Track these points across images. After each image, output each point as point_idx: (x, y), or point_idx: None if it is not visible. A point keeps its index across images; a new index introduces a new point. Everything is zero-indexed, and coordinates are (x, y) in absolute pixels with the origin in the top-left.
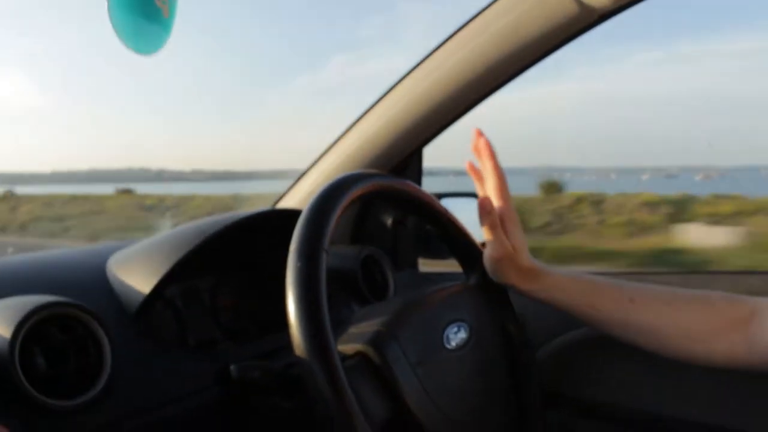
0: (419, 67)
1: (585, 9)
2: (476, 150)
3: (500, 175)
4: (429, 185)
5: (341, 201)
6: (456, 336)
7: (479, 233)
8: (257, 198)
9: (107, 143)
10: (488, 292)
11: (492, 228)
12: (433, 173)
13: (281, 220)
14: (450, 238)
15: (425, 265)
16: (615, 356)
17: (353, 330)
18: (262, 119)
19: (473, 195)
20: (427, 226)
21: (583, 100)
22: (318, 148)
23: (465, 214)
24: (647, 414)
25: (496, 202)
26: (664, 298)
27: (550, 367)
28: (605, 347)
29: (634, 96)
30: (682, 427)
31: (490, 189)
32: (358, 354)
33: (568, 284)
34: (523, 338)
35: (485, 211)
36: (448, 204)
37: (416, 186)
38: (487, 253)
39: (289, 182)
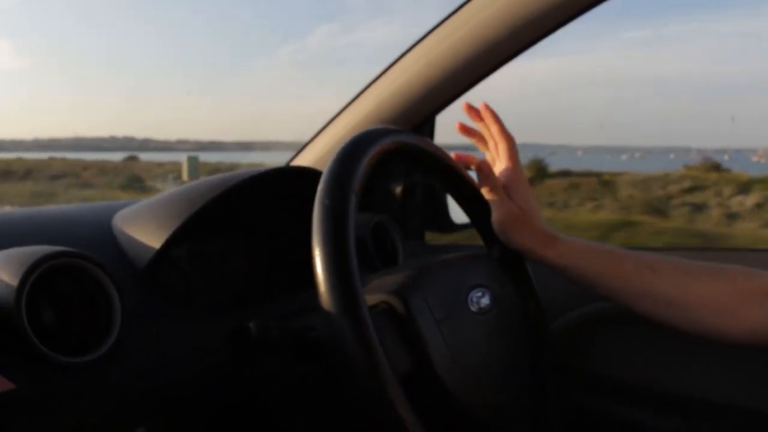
0: (435, 31)
1: None
2: (478, 116)
3: (509, 137)
4: None
5: (372, 148)
6: (480, 300)
7: None
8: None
9: (90, 111)
10: (510, 265)
11: (492, 191)
12: None
13: (295, 178)
14: (473, 207)
15: (431, 239)
16: (626, 333)
17: (376, 282)
18: (247, 89)
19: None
20: (447, 193)
21: (579, 77)
22: (308, 118)
23: None
24: (658, 391)
25: (503, 164)
26: (684, 269)
27: (562, 342)
28: (616, 323)
29: (634, 75)
30: (693, 405)
31: (501, 151)
32: (382, 303)
33: (587, 252)
34: (541, 316)
35: (484, 175)
36: None
37: (443, 149)
38: (494, 217)
39: (283, 154)
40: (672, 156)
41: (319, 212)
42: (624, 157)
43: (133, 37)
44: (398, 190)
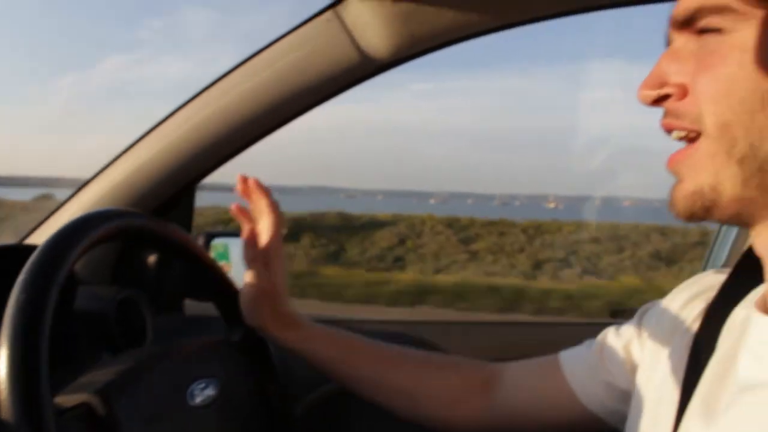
0: (199, 96)
1: (365, 59)
2: (245, 193)
3: (276, 211)
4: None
5: (83, 240)
6: (202, 392)
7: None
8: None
9: None
10: (248, 349)
11: (252, 261)
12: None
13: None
14: (209, 283)
15: (192, 308)
16: (370, 408)
17: (83, 380)
18: (23, 119)
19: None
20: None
21: (367, 122)
22: (91, 153)
23: (236, 254)
24: None
25: (268, 235)
26: (419, 361)
27: (308, 420)
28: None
29: (421, 124)
30: None
31: (264, 225)
32: (81, 405)
33: (325, 339)
34: (280, 398)
35: (250, 245)
36: (221, 244)
37: (169, 225)
38: (245, 289)
39: (60, 191)
40: (469, 201)
41: (11, 306)
42: (432, 201)
43: None
44: (152, 260)
